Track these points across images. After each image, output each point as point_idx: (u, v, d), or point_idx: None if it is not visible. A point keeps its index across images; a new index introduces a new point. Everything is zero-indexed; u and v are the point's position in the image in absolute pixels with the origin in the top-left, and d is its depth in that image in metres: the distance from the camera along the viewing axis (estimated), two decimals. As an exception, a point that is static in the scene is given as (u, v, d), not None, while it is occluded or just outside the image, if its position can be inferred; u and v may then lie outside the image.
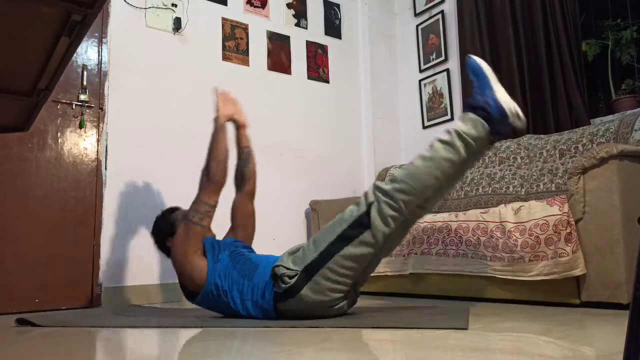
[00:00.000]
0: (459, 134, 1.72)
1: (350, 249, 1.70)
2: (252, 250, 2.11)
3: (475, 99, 1.79)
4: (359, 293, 1.94)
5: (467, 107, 1.81)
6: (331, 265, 1.70)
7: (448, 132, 1.75)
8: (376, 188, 1.75)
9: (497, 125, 1.74)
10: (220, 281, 1.87)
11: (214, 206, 1.98)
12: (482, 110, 1.74)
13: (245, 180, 2.26)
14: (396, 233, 1.78)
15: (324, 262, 1.70)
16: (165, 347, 1.44)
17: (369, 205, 1.72)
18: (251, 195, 2.27)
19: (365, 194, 1.77)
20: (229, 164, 2.07)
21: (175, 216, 2.16)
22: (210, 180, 1.98)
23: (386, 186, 1.73)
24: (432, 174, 1.71)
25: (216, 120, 2.12)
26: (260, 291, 1.80)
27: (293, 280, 1.71)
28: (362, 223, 1.71)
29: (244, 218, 2.24)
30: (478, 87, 1.80)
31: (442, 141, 1.74)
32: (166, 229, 2.12)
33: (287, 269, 1.73)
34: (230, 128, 2.23)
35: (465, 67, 1.89)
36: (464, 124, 1.74)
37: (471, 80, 1.85)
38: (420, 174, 1.71)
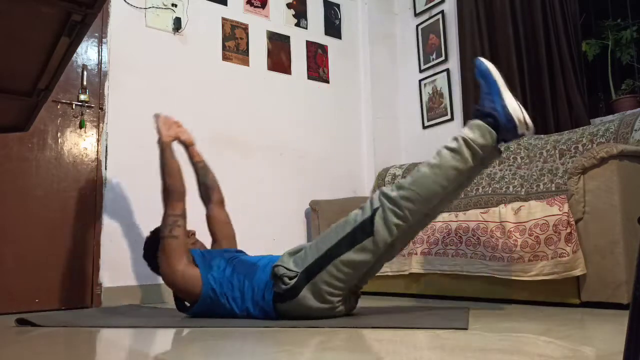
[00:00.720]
0: (467, 142, 1.68)
1: (351, 255, 1.68)
2: (244, 253, 2.12)
3: (483, 105, 1.74)
4: (359, 295, 1.94)
5: (475, 112, 1.76)
6: (330, 269, 1.69)
7: (455, 139, 1.71)
8: (382, 194, 1.71)
9: (505, 134, 1.71)
10: (218, 286, 1.87)
11: (181, 214, 1.98)
12: (490, 117, 1.70)
13: (210, 190, 2.31)
14: (399, 241, 1.76)
15: (324, 265, 1.69)
16: (165, 347, 1.43)
17: (374, 211, 1.69)
18: (221, 203, 2.32)
19: (371, 200, 1.73)
20: (184, 177, 2.09)
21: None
22: (170, 192, 1.99)
23: (392, 193, 1.69)
24: (439, 182, 1.67)
25: (160, 142, 2.15)
26: (261, 291, 1.80)
27: (293, 282, 1.70)
28: (365, 229, 1.68)
29: (222, 227, 2.27)
30: (486, 93, 1.74)
31: (449, 149, 1.70)
32: (154, 248, 2.09)
33: (288, 269, 1.72)
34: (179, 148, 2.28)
35: (475, 73, 1.82)
36: (472, 131, 1.70)
37: (479, 83, 1.80)
38: (427, 182, 1.68)
